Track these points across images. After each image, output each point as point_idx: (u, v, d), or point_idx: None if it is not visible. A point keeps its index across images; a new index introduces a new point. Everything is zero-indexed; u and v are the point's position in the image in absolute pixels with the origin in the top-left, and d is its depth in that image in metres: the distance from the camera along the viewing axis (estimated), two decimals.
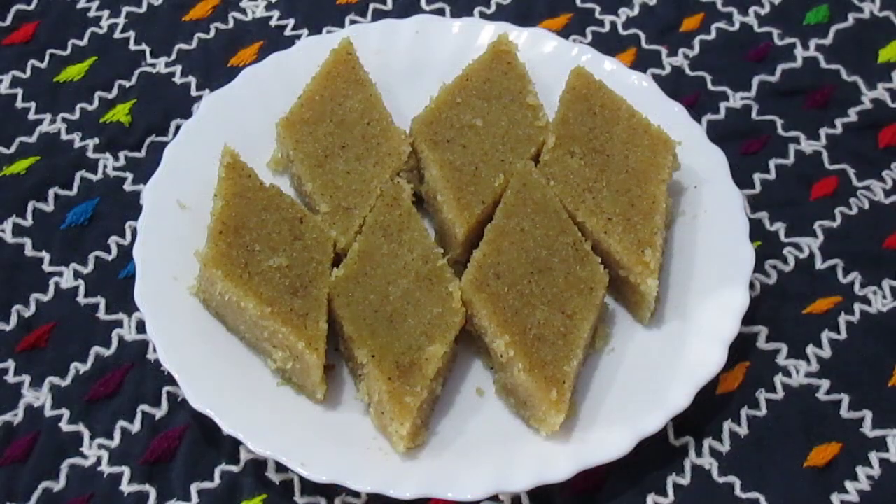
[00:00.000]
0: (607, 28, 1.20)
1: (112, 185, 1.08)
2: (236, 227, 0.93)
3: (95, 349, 0.97)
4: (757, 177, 1.09)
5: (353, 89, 1.04)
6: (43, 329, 0.98)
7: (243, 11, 1.21)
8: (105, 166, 1.09)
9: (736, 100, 1.15)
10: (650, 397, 0.91)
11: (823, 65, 1.18)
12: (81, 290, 1.01)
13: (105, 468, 0.91)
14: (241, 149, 0.99)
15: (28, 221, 1.05)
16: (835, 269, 1.03)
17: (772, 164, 1.10)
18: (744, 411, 0.95)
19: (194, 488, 0.90)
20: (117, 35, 1.19)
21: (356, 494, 0.90)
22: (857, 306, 1.01)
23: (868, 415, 0.95)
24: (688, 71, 1.17)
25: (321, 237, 0.95)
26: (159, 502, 0.90)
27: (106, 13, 1.21)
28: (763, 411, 0.95)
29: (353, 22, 1.20)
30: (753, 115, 1.14)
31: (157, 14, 1.21)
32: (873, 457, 0.93)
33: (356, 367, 0.91)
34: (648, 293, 0.94)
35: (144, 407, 0.94)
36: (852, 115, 1.14)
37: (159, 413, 0.94)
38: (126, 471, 0.91)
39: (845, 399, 0.96)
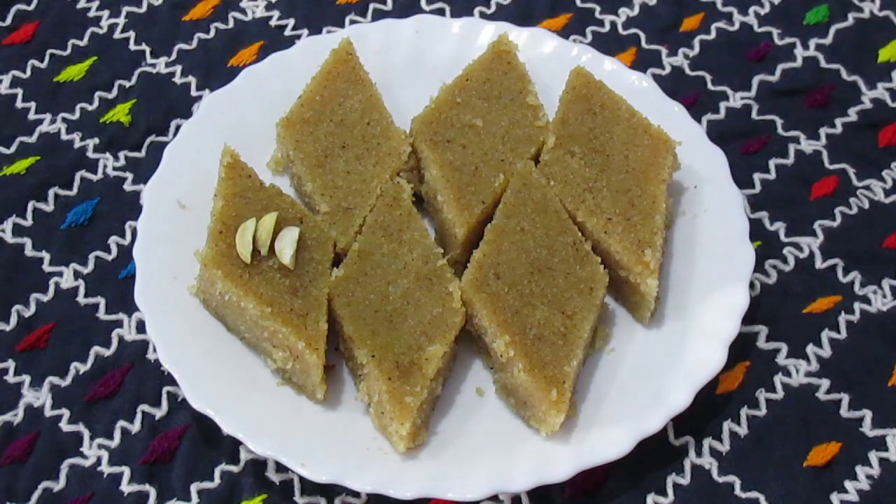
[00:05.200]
0: (607, 28, 1.20)
1: (112, 185, 1.08)
2: (236, 227, 0.93)
3: (95, 349, 0.97)
4: (757, 177, 1.09)
5: (353, 89, 1.04)
6: (43, 329, 0.99)
7: (243, 11, 1.21)
8: (105, 166, 1.09)
9: (736, 100, 1.15)
10: (650, 397, 0.91)
11: (823, 64, 1.18)
12: (81, 290, 1.01)
13: (105, 468, 0.91)
14: (241, 149, 0.99)
15: (28, 221, 1.05)
16: (835, 268, 1.03)
17: (772, 163, 1.10)
18: (744, 411, 0.95)
19: (194, 488, 0.91)
20: (117, 35, 1.19)
21: (356, 494, 0.90)
22: (857, 306, 1.01)
23: (868, 414, 0.95)
24: (688, 71, 1.17)
25: (321, 237, 0.95)
26: (159, 502, 0.90)
27: (106, 13, 1.21)
28: (763, 411, 0.95)
29: (353, 22, 1.20)
30: (753, 115, 1.14)
31: (157, 14, 1.21)
32: (873, 456, 0.93)
33: (356, 367, 0.91)
34: (648, 293, 0.94)
35: (144, 407, 0.94)
36: (852, 114, 1.14)
37: (159, 413, 0.94)
38: (126, 471, 0.91)
39: (845, 398, 0.96)
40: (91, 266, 1.03)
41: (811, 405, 0.96)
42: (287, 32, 1.20)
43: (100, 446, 0.93)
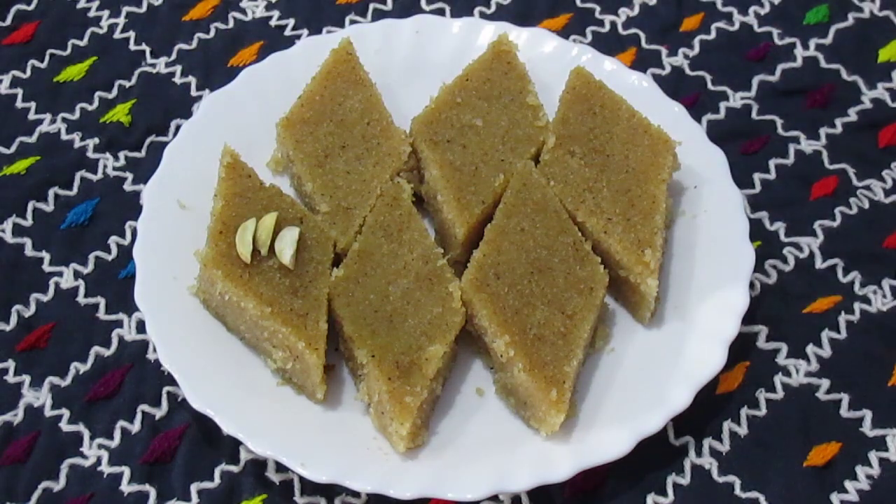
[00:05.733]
0: (607, 28, 1.20)
1: (112, 185, 1.08)
2: (236, 227, 0.93)
3: (95, 349, 0.97)
4: (757, 177, 1.09)
5: (353, 89, 1.04)
6: (43, 329, 0.99)
7: (243, 11, 1.21)
8: (105, 166, 1.09)
9: (736, 100, 1.15)
10: (650, 397, 0.91)
11: (823, 64, 1.18)
12: (81, 290, 1.01)
13: (105, 468, 0.91)
14: (241, 149, 0.99)
15: (28, 221, 1.05)
16: (835, 268, 1.03)
17: (772, 163, 1.10)
18: (744, 411, 0.95)
19: (194, 488, 0.91)
20: (117, 35, 1.19)
21: (356, 494, 0.90)
22: (857, 305, 1.01)
23: (868, 414, 0.95)
24: (688, 71, 1.17)
25: (321, 237, 0.95)
26: (159, 502, 0.90)
27: (106, 13, 1.21)
28: (763, 411, 0.95)
29: (353, 22, 1.20)
30: (753, 115, 1.14)
31: (157, 14, 1.21)
32: (873, 456, 0.93)
33: (356, 367, 0.91)
34: (648, 293, 0.94)
35: (144, 407, 0.94)
36: (852, 114, 1.14)
37: (159, 413, 0.94)
38: (126, 471, 0.91)
39: (845, 398, 0.96)
40: (91, 266, 1.03)
41: (811, 405, 0.96)
42: (287, 32, 1.20)
43: (100, 446, 0.93)
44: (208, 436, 0.92)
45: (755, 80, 1.16)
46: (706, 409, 0.94)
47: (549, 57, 1.11)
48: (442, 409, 0.93)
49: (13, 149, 1.10)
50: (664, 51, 1.19)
